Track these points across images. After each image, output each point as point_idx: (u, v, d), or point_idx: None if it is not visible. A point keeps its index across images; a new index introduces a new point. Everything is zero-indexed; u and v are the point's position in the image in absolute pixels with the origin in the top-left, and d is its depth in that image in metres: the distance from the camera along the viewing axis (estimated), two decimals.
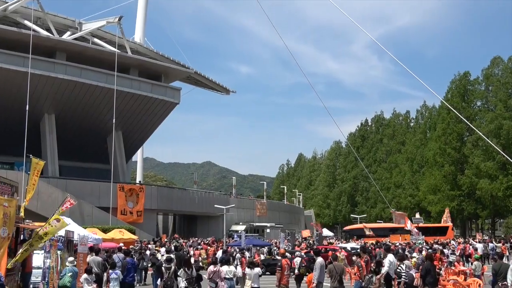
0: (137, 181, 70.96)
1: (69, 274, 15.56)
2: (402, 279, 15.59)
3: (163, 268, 17.04)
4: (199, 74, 70.30)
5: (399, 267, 16.08)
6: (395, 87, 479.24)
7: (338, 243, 50.78)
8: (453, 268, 23.80)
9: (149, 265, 25.89)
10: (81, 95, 54.08)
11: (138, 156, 76.30)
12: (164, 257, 19.75)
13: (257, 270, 17.29)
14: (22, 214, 18.45)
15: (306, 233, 64.54)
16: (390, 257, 18.39)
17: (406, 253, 26.48)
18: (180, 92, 63.09)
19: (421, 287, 15.67)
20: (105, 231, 35.79)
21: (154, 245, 38.12)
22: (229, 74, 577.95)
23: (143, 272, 26.30)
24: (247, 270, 17.17)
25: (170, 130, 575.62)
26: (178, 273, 15.97)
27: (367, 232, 52.26)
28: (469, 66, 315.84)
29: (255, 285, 16.94)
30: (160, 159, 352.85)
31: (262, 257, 33.74)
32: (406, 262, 16.85)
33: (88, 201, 48.38)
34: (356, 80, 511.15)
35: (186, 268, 15.68)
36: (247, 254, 28.08)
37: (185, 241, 48.98)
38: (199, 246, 39.45)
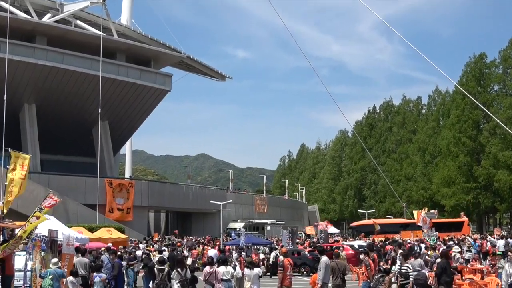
0: (126, 176, 70.96)
1: (50, 276, 15.55)
2: (410, 279, 15.58)
3: (155, 269, 17.08)
4: (192, 58, 70.14)
5: (404, 267, 16.05)
6: (405, 71, 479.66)
7: (345, 241, 50.89)
8: (469, 266, 23.87)
9: (140, 266, 25.93)
10: (63, 82, 53.92)
11: (126, 149, 76.26)
12: (157, 258, 19.79)
13: (257, 270, 17.30)
14: (4, 210, 18.45)
15: (310, 230, 64.72)
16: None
17: (418, 250, 26.54)
18: (171, 79, 62.98)
19: (435, 286, 15.70)
20: (91, 230, 35.78)
21: (145, 245, 38.15)
22: (225, 59, 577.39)
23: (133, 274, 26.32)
24: (246, 270, 17.18)
25: (161, 120, 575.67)
26: (171, 275, 16.00)
27: (378, 229, 52.31)
28: (486, 48, 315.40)
29: (255, 287, 16.95)
30: (151, 151, 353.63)
31: (262, 256, 33.85)
32: (418, 260, 16.88)
33: (72, 198, 48.34)
34: (363, 64, 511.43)
35: (179, 269, 15.71)
36: (243, 254, 28.04)
37: (179, 240, 49.03)
38: (196, 246, 39.52)
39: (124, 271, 23.04)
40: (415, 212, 51.74)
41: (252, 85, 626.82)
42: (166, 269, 17.12)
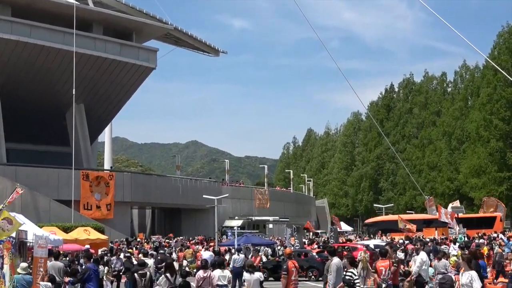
0: (105, 167, 70.98)
1: (18, 285, 15.64)
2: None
3: (136, 275, 17.17)
4: (180, 30, 69.92)
5: (348, 273, 15.77)
6: (427, 42, 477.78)
7: (359, 240, 50.94)
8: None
9: (121, 272, 26.06)
10: (31, 59, 53.79)
11: (106, 136, 76.24)
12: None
13: (258, 275, 17.37)
14: None
15: (307, 225, 64.48)
16: (423, 255, 18.55)
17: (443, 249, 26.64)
18: (157, 54, 62.98)
19: None
20: (66, 230, 35.85)
21: (128, 247, 38.29)
22: (219, 30, 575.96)
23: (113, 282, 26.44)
24: (246, 275, 17.27)
25: (145, 103, 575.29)
26: (158, 281, 16.03)
27: (402, 226, 51.26)
28: None
29: None
30: (134, 139, 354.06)
31: (264, 259, 34.02)
32: (443, 261, 16.96)
33: (44, 193, 48.39)
34: (379, 35, 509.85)
35: (169, 275, 15.75)
36: (237, 257, 27.93)
37: (167, 241, 49.19)
38: (182, 247, 39.62)
39: (105, 278, 23.09)
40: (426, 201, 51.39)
41: (250, 61, 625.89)
42: (148, 273, 17.18)
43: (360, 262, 28.03)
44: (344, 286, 15.63)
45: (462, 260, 15.48)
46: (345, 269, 15.96)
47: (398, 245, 36.16)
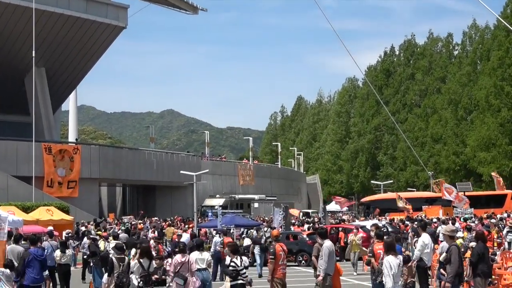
0: (70, 139, 70.77)
1: None
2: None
3: (114, 259, 17.18)
4: None
5: (233, 263, 15.84)
6: None
7: (354, 221, 51.31)
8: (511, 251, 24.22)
9: (85, 256, 26.11)
10: None
11: (70, 104, 75.93)
12: (113, 244, 19.81)
13: (243, 260, 17.48)
14: None
15: (294, 211, 64.61)
16: (425, 237, 18.67)
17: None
18: (127, 12, 62.62)
19: (470, 277, 15.95)
20: (26, 210, 35.83)
21: (96, 229, 38.31)
22: None
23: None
24: (228, 259, 17.35)
25: (115, 67, 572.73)
26: (131, 267, 16.05)
27: (401, 205, 52.26)
28: None
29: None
30: (102, 107, 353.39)
31: (248, 242, 34.14)
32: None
33: (0, 169, 48.30)
34: None
35: (142, 260, 15.77)
36: (219, 239, 28.25)
37: (140, 222, 49.32)
38: (155, 229, 39.72)
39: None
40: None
41: (233, 20, 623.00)
42: (127, 259, 17.21)
43: (349, 246, 28.25)
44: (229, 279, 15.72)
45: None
46: (231, 259, 15.96)
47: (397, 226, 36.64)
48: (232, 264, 15.82)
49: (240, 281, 15.72)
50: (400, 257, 14.64)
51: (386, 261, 13.92)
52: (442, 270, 17.22)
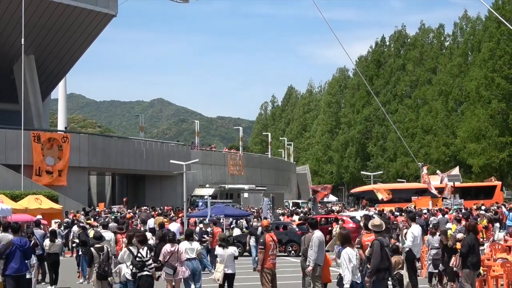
0: (59, 128, 70.60)
1: None
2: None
3: (92, 250, 17.17)
4: None
5: (139, 255, 15.82)
6: None
7: (344, 212, 51.46)
8: (501, 243, 24.35)
9: (74, 245, 26.10)
10: None
11: (59, 92, 75.59)
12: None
13: (232, 250, 17.52)
14: None
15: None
16: (414, 228, 18.77)
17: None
18: (118, 0, 62.33)
19: (459, 267, 16.04)
20: (15, 198, 35.84)
21: (86, 218, 38.28)
22: None
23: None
24: (219, 249, 17.38)
25: (104, 55, 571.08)
26: (122, 256, 15.98)
27: (380, 197, 52.86)
28: None
29: (230, 271, 17.16)
30: (92, 96, 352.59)
31: (238, 232, 34.23)
32: (437, 236, 17.19)
33: None
34: None
35: (131, 247, 15.74)
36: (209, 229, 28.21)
37: (129, 212, 49.28)
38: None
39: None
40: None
41: (225, 9, 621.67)
42: (106, 248, 17.20)
43: (334, 237, 28.40)
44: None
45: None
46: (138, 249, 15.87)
47: (387, 217, 36.71)
48: (139, 255, 15.71)
49: (145, 273, 15.68)
50: (357, 250, 14.64)
51: (344, 253, 13.79)
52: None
